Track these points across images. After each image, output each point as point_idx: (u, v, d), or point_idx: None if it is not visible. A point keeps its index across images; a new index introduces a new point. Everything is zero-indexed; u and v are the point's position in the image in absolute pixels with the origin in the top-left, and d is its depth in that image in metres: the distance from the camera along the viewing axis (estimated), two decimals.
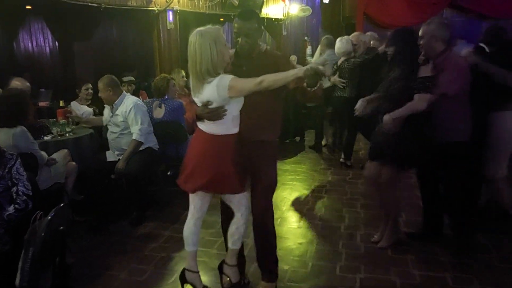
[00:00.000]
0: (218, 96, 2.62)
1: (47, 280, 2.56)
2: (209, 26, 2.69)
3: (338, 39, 6.05)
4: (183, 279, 3.07)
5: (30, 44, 8.95)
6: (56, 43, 9.29)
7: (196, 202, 2.95)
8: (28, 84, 4.69)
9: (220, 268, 3.16)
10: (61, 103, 4.91)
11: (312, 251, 3.83)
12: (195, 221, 2.98)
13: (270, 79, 2.54)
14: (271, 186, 3.02)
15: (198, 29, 2.64)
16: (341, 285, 3.30)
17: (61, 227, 2.54)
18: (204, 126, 2.76)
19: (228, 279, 3.05)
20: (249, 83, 2.57)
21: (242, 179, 2.86)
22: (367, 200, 4.94)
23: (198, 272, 3.06)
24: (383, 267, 3.51)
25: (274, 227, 3.16)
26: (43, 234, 2.36)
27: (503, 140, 3.82)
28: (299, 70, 2.56)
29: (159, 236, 4.17)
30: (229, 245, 3.04)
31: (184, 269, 3.07)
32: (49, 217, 2.44)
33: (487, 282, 3.27)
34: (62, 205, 2.63)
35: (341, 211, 4.63)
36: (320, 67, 2.58)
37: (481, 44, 4.03)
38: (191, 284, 3.05)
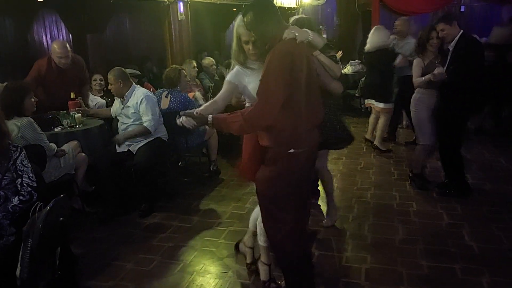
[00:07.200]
0: None
1: (48, 272, 2.57)
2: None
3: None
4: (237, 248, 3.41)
5: (44, 37, 9.00)
6: (70, 35, 9.35)
7: None
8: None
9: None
10: (72, 95, 4.92)
11: (318, 241, 3.78)
12: None
13: None
14: (260, 193, 2.66)
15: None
16: (347, 275, 3.25)
17: (61, 218, 2.55)
18: None
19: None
20: None
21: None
22: (377, 190, 4.88)
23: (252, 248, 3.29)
24: (390, 257, 3.46)
25: (287, 247, 2.66)
26: (40, 225, 2.37)
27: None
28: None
29: (167, 226, 4.18)
30: (259, 242, 3.07)
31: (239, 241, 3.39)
32: (47, 208, 2.44)
33: (498, 273, 3.18)
34: (61, 196, 2.63)
35: (350, 201, 4.56)
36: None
37: None
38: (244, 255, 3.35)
